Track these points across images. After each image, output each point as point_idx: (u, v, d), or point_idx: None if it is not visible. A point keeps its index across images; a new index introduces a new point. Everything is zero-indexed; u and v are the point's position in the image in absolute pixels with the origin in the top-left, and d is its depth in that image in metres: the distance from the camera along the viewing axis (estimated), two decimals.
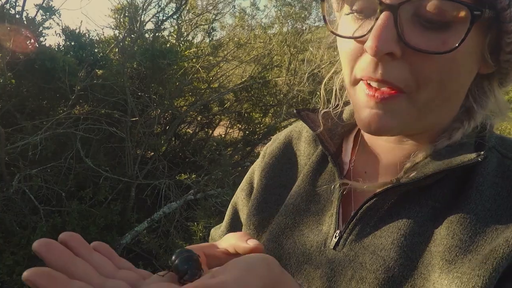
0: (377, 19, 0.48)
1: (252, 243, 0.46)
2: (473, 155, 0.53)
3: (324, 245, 0.61)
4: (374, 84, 0.51)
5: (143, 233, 3.22)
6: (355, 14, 0.52)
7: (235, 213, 0.81)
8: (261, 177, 0.74)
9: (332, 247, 0.59)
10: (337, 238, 0.59)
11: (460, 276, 0.48)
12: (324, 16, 0.55)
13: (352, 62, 0.53)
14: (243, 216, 0.78)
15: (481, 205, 0.52)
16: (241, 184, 0.82)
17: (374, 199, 0.57)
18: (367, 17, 0.51)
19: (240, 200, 0.80)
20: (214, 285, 0.34)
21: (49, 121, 3.34)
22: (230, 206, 0.83)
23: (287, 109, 4.74)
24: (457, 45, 0.46)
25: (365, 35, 0.49)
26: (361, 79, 0.53)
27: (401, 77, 0.49)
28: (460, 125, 0.57)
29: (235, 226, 0.80)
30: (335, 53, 0.61)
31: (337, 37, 0.56)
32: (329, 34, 0.61)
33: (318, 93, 0.66)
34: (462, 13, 0.45)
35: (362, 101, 0.53)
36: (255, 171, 0.79)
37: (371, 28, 0.48)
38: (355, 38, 0.51)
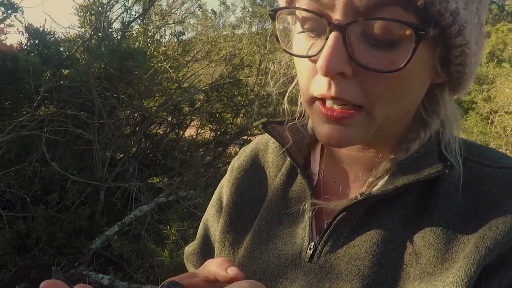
0: (327, 38, 0.48)
1: (232, 271, 0.46)
2: (440, 166, 0.54)
3: (299, 258, 0.60)
4: (329, 102, 0.51)
5: (113, 237, 3.14)
6: (307, 32, 0.52)
7: (207, 230, 0.80)
8: (231, 193, 0.73)
9: (307, 260, 0.59)
10: (312, 250, 0.59)
11: (436, 284, 0.50)
12: (276, 36, 0.54)
13: (309, 81, 0.53)
14: (214, 232, 0.76)
15: (450, 211, 0.54)
16: (211, 200, 0.81)
17: (346, 211, 0.58)
18: (319, 35, 0.51)
19: (211, 217, 0.79)
20: None
21: (12, 123, 3.20)
22: (201, 223, 0.82)
23: (258, 109, 4.75)
24: (403, 64, 0.47)
25: (316, 54, 0.49)
26: (317, 98, 0.53)
27: (354, 94, 0.49)
28: (416, 136, 0.58)
29: (207, 242, 0.79)
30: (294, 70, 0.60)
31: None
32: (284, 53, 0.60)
33: (286, 95, 0.65)
34: (408, 32, 0.46)
35: (320, 118, 0.53)
36: (224, 186, 0.77)
37: (322, 48, 0.48)
38: (308, 57, 0.51)
